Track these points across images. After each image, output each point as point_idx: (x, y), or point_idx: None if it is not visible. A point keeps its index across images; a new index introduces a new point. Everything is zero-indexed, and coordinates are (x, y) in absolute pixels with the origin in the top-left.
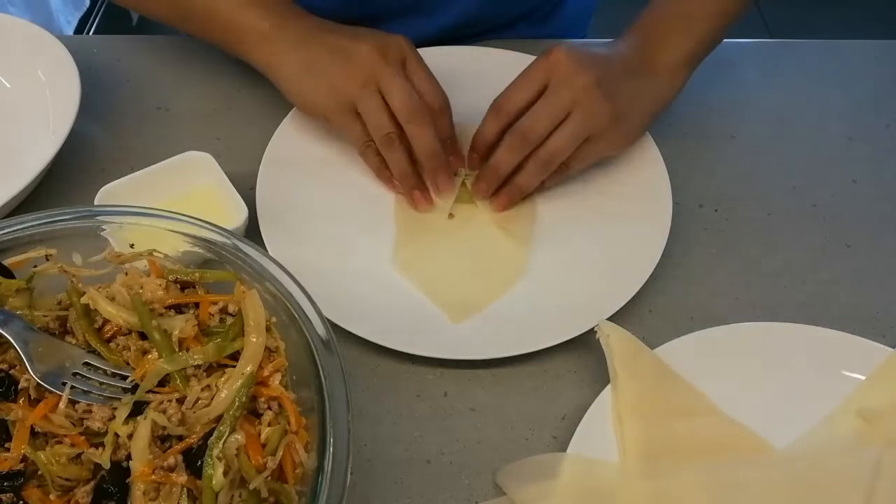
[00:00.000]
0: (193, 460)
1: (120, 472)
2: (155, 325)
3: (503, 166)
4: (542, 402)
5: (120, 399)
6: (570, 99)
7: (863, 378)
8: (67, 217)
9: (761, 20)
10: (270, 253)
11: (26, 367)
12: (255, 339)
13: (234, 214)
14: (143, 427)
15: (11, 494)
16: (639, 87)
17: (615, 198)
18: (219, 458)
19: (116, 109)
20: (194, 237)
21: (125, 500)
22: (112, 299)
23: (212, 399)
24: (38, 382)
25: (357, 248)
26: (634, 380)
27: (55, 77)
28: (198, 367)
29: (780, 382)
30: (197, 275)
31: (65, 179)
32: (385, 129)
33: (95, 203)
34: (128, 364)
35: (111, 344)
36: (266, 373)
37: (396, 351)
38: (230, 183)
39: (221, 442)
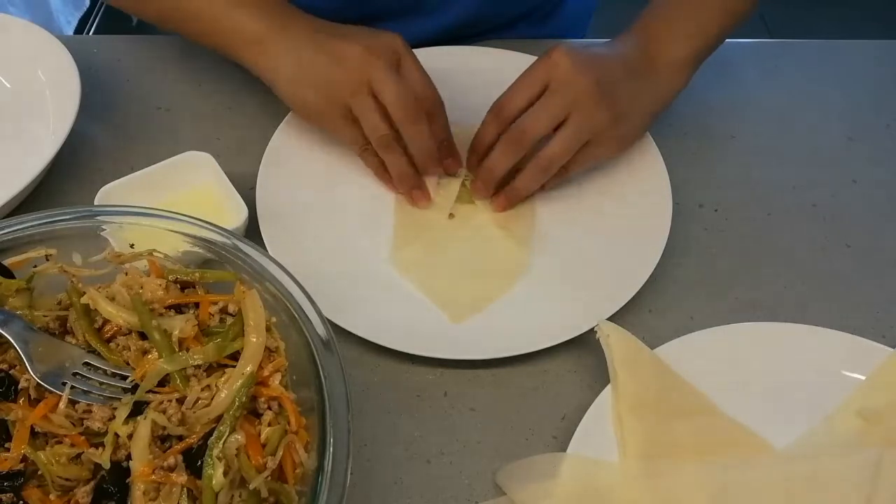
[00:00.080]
0: (193, 460)
1: (120, 472)
2: (155, 325)
3: (499, 167)
4: (542, 402)
5: (120, 399)
6: (569, 101)
7: (863, 378)
8: (67, 217)
9: (761, 20)
10: (270, 253)
11: (26, 367)
12: (255, 339)
13: (234, 214)
14: (143, 427)
15: (11, 494)
16: (639, 87)
17: (615, 198)
18: (219, 458)
19: (116, 109)
20: (194, 237)
21: (125, 500)
22: (112, 299)
23: (212, 399)
24: (38, 382)
25: (357, 247)
26: (634, 380)
27: (55, 77)
28: (198, 367)
29: (780, 382)
30: (197, 275)
31: (65, 179)
32: (380, 130)
33: (95, 203)
34: (128, 364)
35: (111, 344)
36: (266, 373)
37: (396, 351)
38: (230, 183)
39: (221, 442)
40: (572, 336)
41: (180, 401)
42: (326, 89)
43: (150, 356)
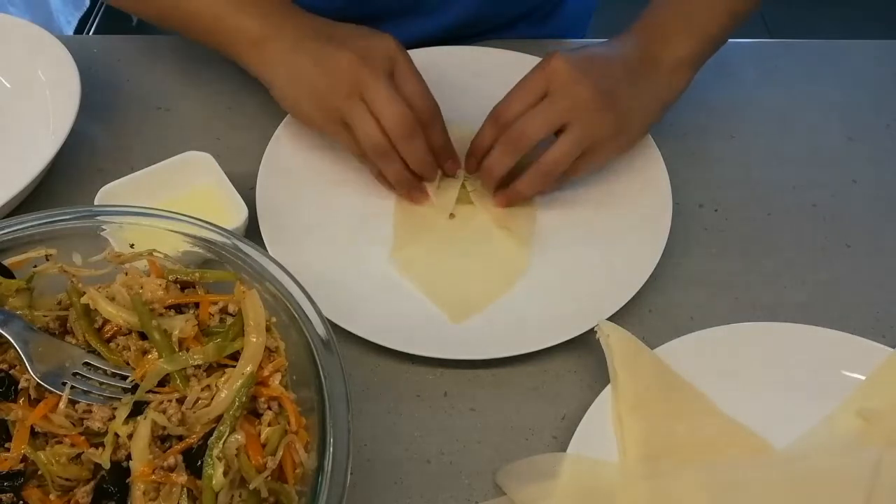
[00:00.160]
0: (193, 460)
1: (120, 472)
2: (155, 325)
3: (497, 168)
4: (542, 402)
5: (120, 399)
6: (568, 107)
7: (863, 378)
8: (67, 217)
9: (761, 20)
10: (270, 253)
11: (26, 367)
12: (255, 339)
13: (234, 214)
14: (143, 427)
15: (11, 494)
16: (640, 89)
17: (615, 198)
18: (219, 458)
19: (116, 109)
20: (194, 237)
21: (125, 500)
22: (112, 299)
23: (212, 399)
24: (38, 382)
25: (357, 247)
26: (634, 380)
27: (55, 77)
28: (198, 367)
29: (780, 382)
30: (197, 275)
31: (65, 179)
32: (375, 141)
33: (95, 203)
34: (128, 364)
35: (111, 344)
36: (266, 373)
37: (396, 351)
38: (230, 183)
39: (221, 442)
40: (572, 336)
41: (180, 401)
42: (319, 99)
43: (150, 356)
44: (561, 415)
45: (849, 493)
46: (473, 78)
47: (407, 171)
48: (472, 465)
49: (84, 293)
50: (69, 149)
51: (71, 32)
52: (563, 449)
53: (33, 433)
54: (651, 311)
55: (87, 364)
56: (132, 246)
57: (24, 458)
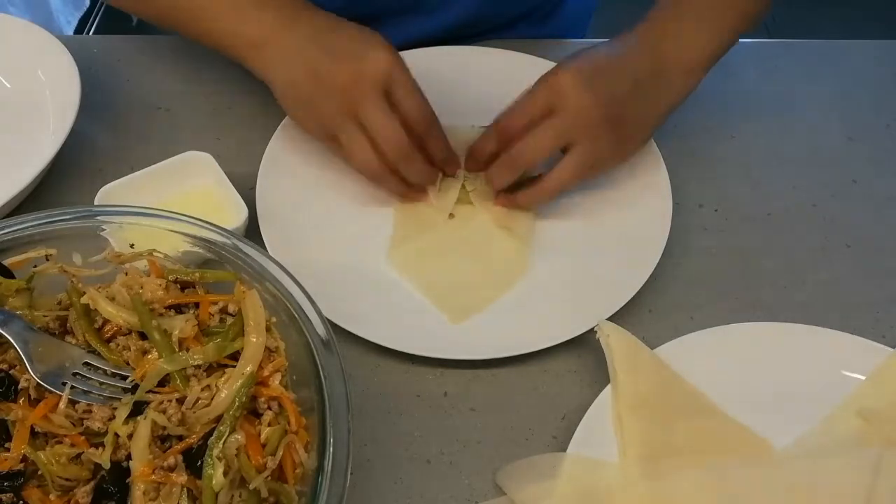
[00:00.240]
0: (193, 460)
1: (120, 472)
2: (155, 325)
3: (497, 183)
4: (542, 402)
5: (120, 399)
6: (574, 127)
7: (863, 378)
8: (67, 217)
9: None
10: (270, 253)
11: (26, 367)
12: (255, 339)
13: (234, 214)
14: (143, 427)
15: (11, 494)
16: (647, 101)
17: (615, 198)
18: (219, 458)
19: (116, 109)
20: (194, 237)
21: (125, 500)
22: (112, 299)
23: (212, 399)
24: (38, 382)
25: (357, 248)
26: (634, 380)
27: (55, 77)
28: (198, 367)
29: (780, 382)
30: (197, 275)
31: (65, 179)
32: (369, 165)
33: (95, 203)
34: (128, 364)
35: (111, 344)
36: (266, 373)
37: (396, 351)
38: (230, 183)
39: (221, 442)
40: (572, 336)
41: (180, 401)
42: (314, 111)
43: (150, 356)
44: (561, 415)
45: (849, 493)
46: (473, 78)
47: (404, 184)
48: (472, 465)
49: (84, 293)
50: (69, 149)
51: (71, 32)
52: (563, 449)
53: (33, 433)
54: (651, 311)
55: (87, 364)
56: (132, 246)
57: (24, 458)
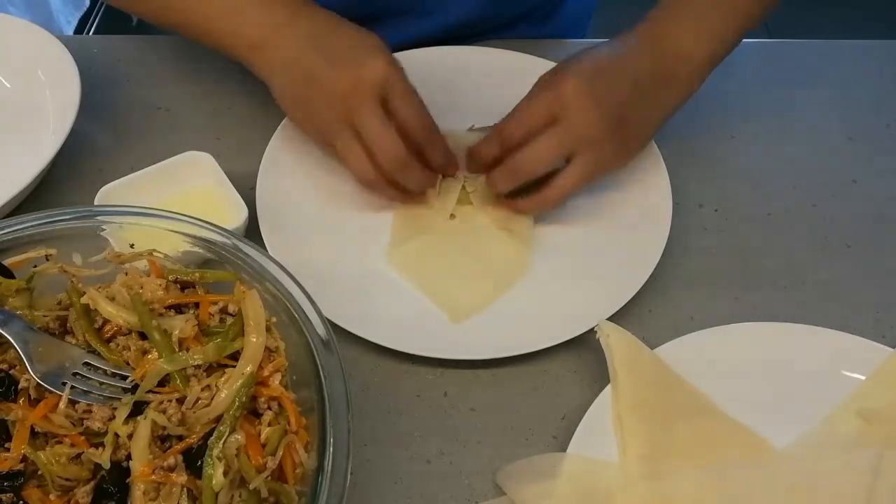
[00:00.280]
0: (193, 460)
1: (120, 472)
2: (155, 325)
3: (497, 189)
4: (542, 402)
5: (120, 399)
6: (577, 138)
7: (863, 378)
8: (67, 217)
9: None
10: (270, 253)
11: (26, 367)
12: (255, 339)
13: (234, 214)
14: (143, 427)
15: (11, 494)
16: (650, 105)
17: (615, 198)
18: (219, 458)
19: (116, 109)
20: (194, 237)
21: (125, 500)
22: (112, 299)
23: (212, 399)
24: (38, 382)
25: (357, 248)
26: (634, 380)
27: (55, 77)
28: (198, 367)
29: (780, 382)
30: (197, 275)
31: (65, 179)
32: (366, 176)
33: (95, 203)
34: (128, 364)
35: (111, 344)
36: (266, 373)
37: (396, 351)
38: (230, 183)
39: (221, 442)
40: (572, 336)
41: (180, 401)
42: (312, 120)
43: (150, 356)
44: (561, 415)
45: (849, 493)
46: (473, 78)
47: (401, 191)
48: (472, 465)
49: (84, 293)
50: (69, 149)
51: (71, 32)
52: (563, 449)
53: (33, 433)
54: (651, 311)
55: (87, 364)
56: (132, 246)
57: (24, 458)
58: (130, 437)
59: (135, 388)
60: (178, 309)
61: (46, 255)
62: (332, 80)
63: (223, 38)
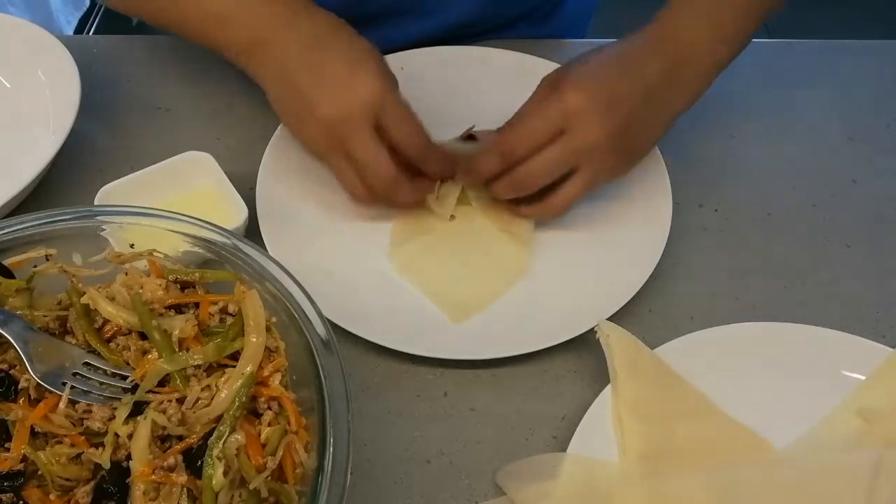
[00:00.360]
0: (193, 460)
1: (120, 472)
2: (155, 325)
3: (500, 196)
4: (542, 402)
5: (120, 399)
6: (581, 152)
7: (863, 378)
8: (67, 217)
9: None
10: (270, 253)
11: (26, 367)
12: (255, 339)
13: (234, 214)
14: (143, 427)
15: (11, 494)
16: (655, 112)
17: (615, 198)
18: (219, 458)
19: (116, 109)
20: (194, 237)
21: (125, 500)
22: (112, 299)
23: (212, 399)
24: (38, 382)
25: (357, 248)
26: (634, 380)
27: (55, 77)
28: (198, 367)
29: (780, 382)
30: (197, 275)
31: (65, 179)
32: (358, 196)
33: (95, 203)
34: (128, 364)
35: (111, 344)
36: (266, 373)
37: (396, 351)
38: (230, 183)
39: (221, 442)
40: (572, 336)
41: (180, 401)
42: (304, 137)
43: (150, 356)
44: (561, 415)
45: (849, 493)
46: (473, 78)
47: (395, 206)
48: (472, 465)
49: (84, 293)
50: (69, 149)
51: (71, 32)
52: (563, 449)
53: (33, 433)
54: (651, 311)
55: (87, 364)
56: (132, 246)
57: (24, 458)
58: (130, 437)
59: (135, 388)
60: (178, 309)
61: (46, 255)
62: (321, 105)
63: (217, 41)
